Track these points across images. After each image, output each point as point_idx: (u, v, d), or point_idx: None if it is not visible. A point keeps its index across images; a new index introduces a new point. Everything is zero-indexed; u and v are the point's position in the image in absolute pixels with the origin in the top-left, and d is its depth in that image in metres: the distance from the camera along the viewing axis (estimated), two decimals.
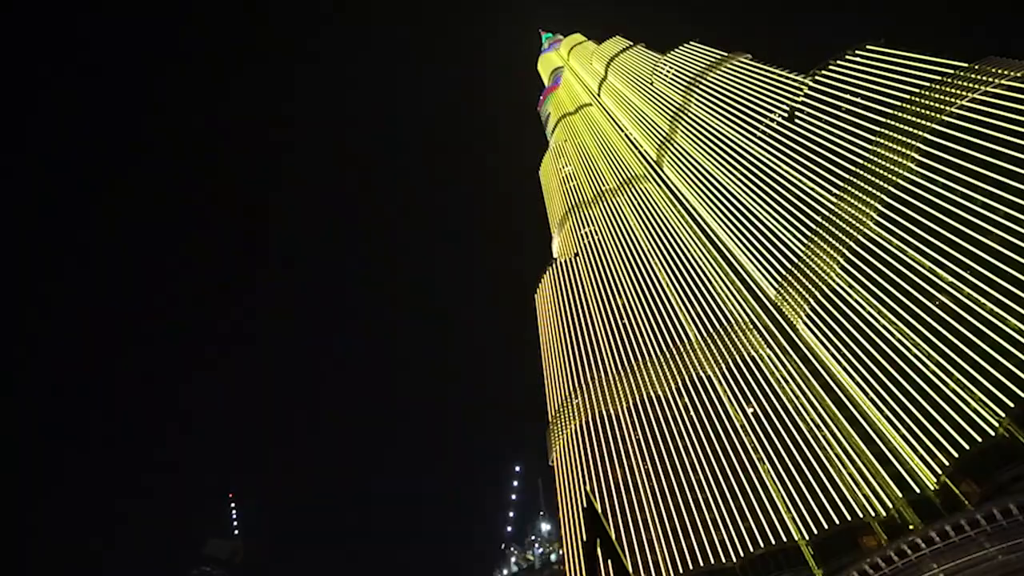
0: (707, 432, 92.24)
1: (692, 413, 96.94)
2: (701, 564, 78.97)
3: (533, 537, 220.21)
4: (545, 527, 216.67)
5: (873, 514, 71.88)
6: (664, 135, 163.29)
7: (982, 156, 76.88)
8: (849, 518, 72.62)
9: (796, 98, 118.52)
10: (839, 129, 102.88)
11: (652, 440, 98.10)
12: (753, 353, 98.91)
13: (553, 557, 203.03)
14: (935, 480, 68.93)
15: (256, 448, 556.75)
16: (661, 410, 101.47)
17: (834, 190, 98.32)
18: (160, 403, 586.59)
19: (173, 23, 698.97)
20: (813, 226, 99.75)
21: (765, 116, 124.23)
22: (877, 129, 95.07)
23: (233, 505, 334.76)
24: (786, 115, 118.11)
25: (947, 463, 67.50)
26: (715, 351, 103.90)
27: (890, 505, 71.44)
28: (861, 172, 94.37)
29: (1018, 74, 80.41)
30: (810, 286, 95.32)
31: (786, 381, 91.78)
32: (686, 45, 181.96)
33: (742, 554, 77.00)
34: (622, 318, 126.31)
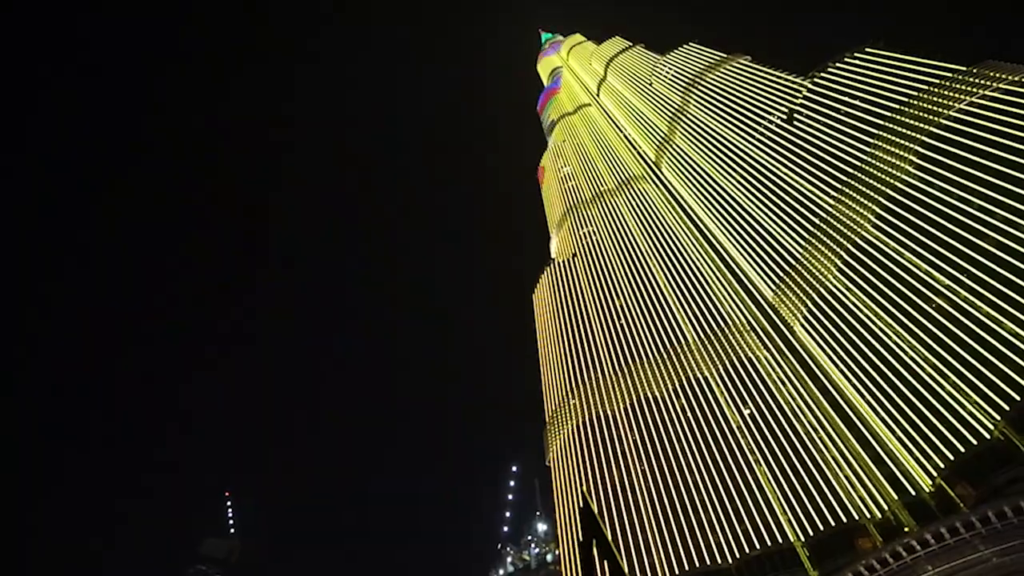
0: (704, 433, 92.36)
1: (689, 414, 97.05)
2: (697, 565, 79.08)
3: (529, 537, 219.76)
4: (541, 527, 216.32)
5: (869, 516, 72.02)
6: (663, 136, 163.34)
7: (980, 159, 77.16)
8: (845, 520, 72.79)
9: (795, 100, 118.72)
10: (837, 131, 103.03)
11: (649, 441, 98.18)
12: (750, 354, 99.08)
13: (549, 557, 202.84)
14: (931, 482, 69.15)
15: (255, 448, 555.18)
16: (658, 410, 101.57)
17: (832, 192, 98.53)
18: (160, 403, 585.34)
19: (173, 23, 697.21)
20: (811, 228, 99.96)
21: (764, 118, 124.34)
22: (875, 132, 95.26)
23: (229, 504, 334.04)
24: (785, 117, 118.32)
25: (943, 465, 67.75)
26: (712, 352, 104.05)
27: (886, 507, 71.59)
28: (859, 174, 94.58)
29: (1016, 78, 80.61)
30: (807, 288, 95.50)
31: (783, 382, 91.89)
32: (685, 46, 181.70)
33: (738, 555, 77.11)
34: (620, 318, 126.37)
